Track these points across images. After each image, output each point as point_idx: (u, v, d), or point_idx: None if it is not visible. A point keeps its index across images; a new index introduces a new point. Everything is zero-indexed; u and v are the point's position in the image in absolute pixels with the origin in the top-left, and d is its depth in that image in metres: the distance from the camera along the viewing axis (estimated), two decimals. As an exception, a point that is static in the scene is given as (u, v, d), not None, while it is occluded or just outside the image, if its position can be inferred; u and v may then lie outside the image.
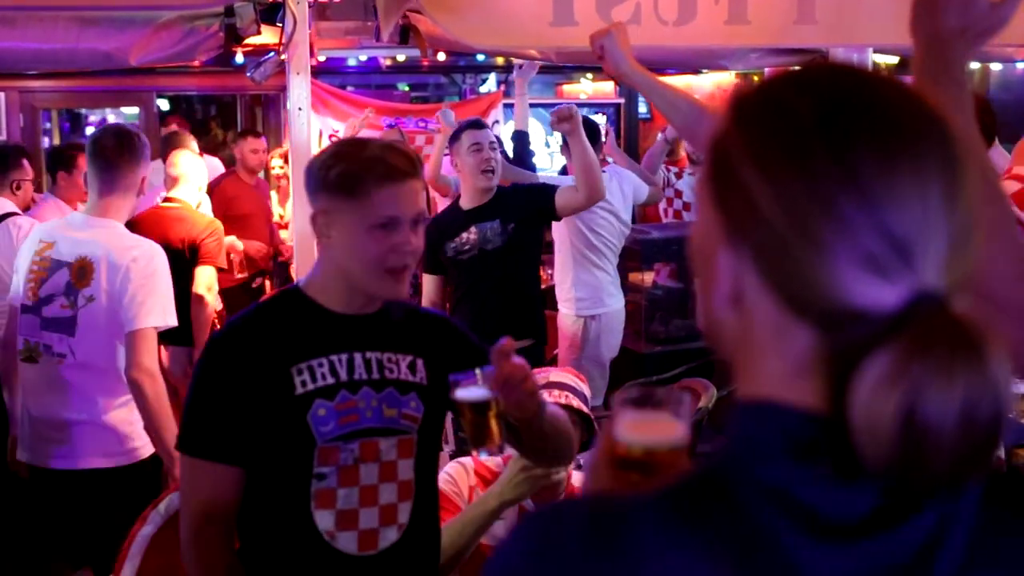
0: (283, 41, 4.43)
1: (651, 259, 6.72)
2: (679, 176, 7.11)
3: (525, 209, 4.81)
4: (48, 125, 10.95)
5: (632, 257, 6.48)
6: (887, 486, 0.78)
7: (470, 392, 2.06)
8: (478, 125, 4.95)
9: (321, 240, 2.28)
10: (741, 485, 0.81)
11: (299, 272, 4.64)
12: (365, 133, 8.65)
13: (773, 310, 0.82)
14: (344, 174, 2.20)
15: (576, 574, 0.82)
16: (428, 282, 5.03)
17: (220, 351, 2.29)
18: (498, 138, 5.05)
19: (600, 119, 10.26)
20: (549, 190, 4.90)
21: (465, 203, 4.92)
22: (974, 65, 9.95)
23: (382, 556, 2.22)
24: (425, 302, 4.99)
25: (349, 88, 10.49)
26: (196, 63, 7.37)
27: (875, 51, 5.00)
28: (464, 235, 4.85)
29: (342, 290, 2.29)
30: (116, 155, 3.73)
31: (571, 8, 4.06)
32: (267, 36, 4.95)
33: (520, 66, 6.98)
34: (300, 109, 4.53)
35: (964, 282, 0.80)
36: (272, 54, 4.75)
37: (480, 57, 9.20)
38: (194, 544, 2.24)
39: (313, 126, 8.44)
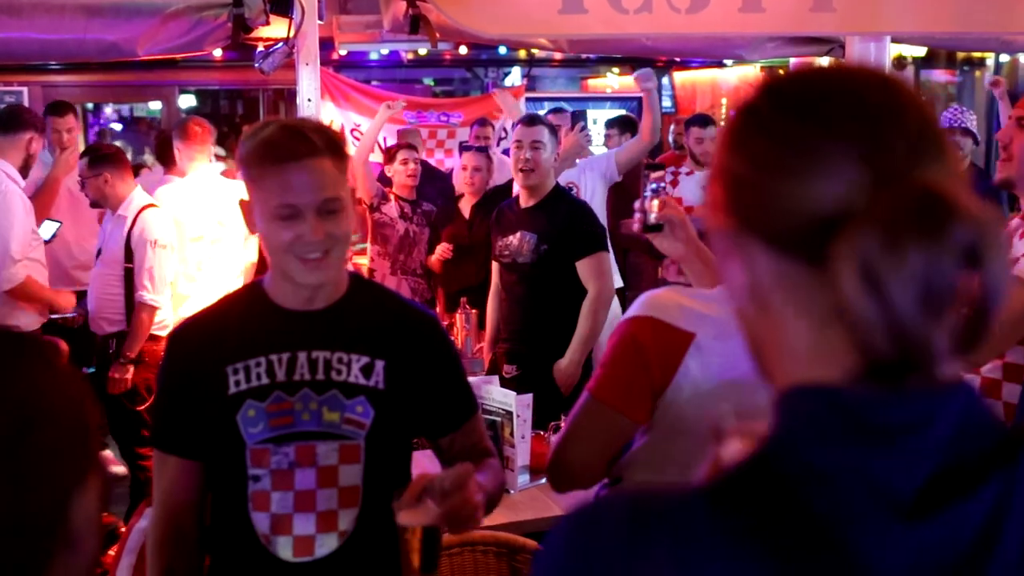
0: (292, 31, 4.40)
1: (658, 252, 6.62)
2: (674, 183, 6.93)
3: (563, 237, 4.66)
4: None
5: (642, 250, 6.41)
6: (942, 457, 0.77)
7: (413, 517, 1.86)
8: (529, 121, 4.81)
9: (252, 231, 2.17)
10: (790, 474, 0.79)
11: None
12: (385, 127, 8.66)
13: (778, 272, 0.84)
14: (242, 159, 2.08)
15: (621, 573, 0.80)
16: (495, 269, 5.02)
17: (172, 345, 2.25)
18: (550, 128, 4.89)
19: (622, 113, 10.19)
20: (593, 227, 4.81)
21: (520, 200, 4.85)
22: (1004, 58, 9.81)
23: (320, 564, 2.13)
24: (492, 288, 5.04)
25: (373, 83, 10.49)
26: (219, 58, 7.39)
27: (894, 40, 4.90)
28: (511, 238, 4.78)
29: (283, 283, 2.17)
30: None
31: (580, -5, 4.01)
32: (279, 28, 4.92)
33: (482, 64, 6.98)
34: (310, 100, 4.51)
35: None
36: (281, 45, 4.72)
37: (502, 50, 9.16)
38: (151, 535, 2.21)
39: (336, 120, 8.57)
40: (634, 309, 2.17)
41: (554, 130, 4.84)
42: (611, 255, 5.85)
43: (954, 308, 0.74)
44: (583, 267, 4.62)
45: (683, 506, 0.82)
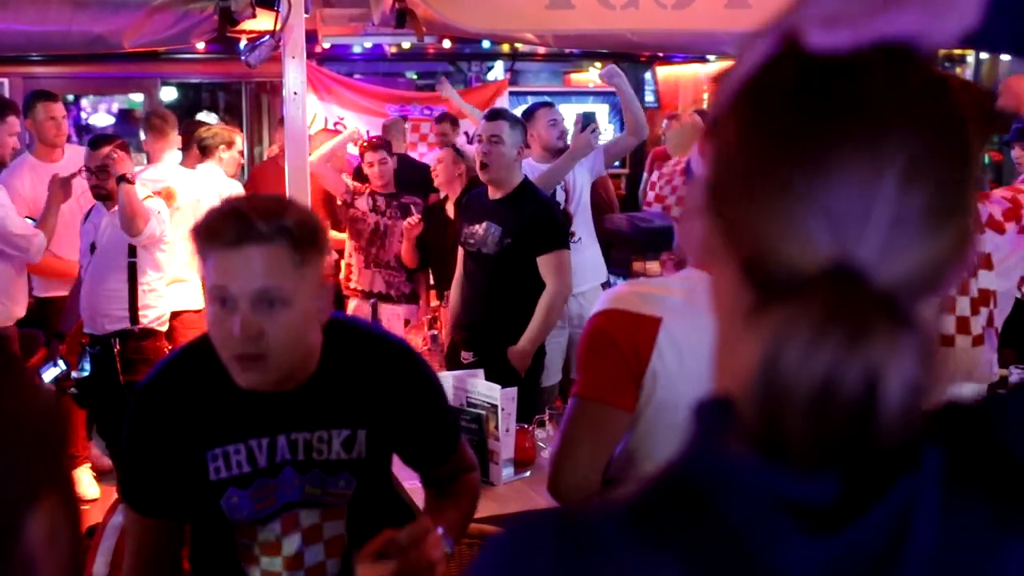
0: (278, 24, 4.40)
1: (647, 247, 6.64)
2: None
3: (527, 232, 4.72)
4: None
5: (634, 246, 6.43)
6: (845, 470, 0.76)
7: (371, 572, 1.85)
8: (490, 116, 4.89)
9: None
10: (703, 485, 0.79)
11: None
12: (368, 120, 8.66)
13: (729, 269, 0.82)
14: (193, 230, 1.93)
15: None
16: (460, 255, 5.07)
17: (142, 407, 2.10)
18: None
19: (603, 108, 10.23)
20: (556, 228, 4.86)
21: (488, 191, 4.89)
22: (984, 56, 9.88)
23: None
24: (456, 275, 5.09)
25: (356, 76, 10.47)
26: (200, 49, 7.36)
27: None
28: (477, 227, 4.84)
29: None
30: None
31: (567, -9, 4.02)
32: (265, 21, 4.92)
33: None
34: (296, 93, 4.51)
35: (924, 278, 0.77)
36: (268, 38, 4.72)
37: (486, 44, 9.13)
38: None
39: (319, 113, 8.56)
40: (596, 307, 2.24)
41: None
42: (598, 249, 5.91)
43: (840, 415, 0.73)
44: (544, 263, 4.70)
45: (604, 523, 0.82)
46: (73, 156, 5.90)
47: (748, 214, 0.79)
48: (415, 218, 5.97)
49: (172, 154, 5.97)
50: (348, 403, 2.11)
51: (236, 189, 6.02)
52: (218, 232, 1.89)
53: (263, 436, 2.06)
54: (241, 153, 5.93)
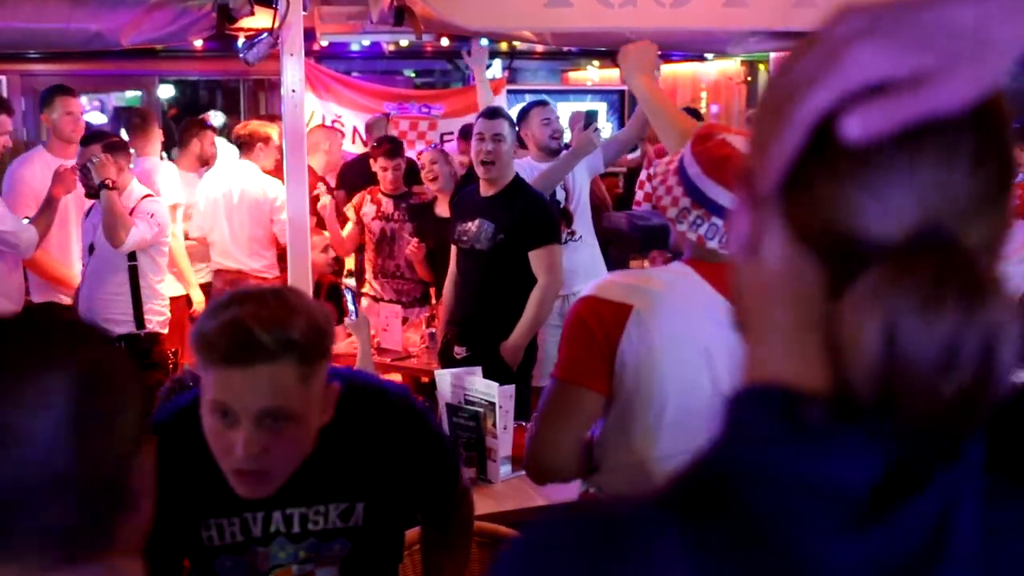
0: (276, 22, 4.39)
1: (645, 246, 6.65)
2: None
3: (520, 227, 4.77)
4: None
5: (632, 244, 6.43)
6: (887, 459, 0.75)
7: None
8: (491, 114, 4.91)
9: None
10: (734, 476, 0.78)
11: (292, 266, 4.60)
12: (363, 117, 8.64)
13: (786, 248, 0.80)
14: (193, 338, 1.81)
15: None
16: (453, 253, 5.11)
17: None
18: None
19: (601, 107, 10.23)
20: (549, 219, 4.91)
21: (481, 188, 4.92)
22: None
23: None
24: (449, 272, 5.13)
25: (354, 74, 10.46)
26: (198, 47, 7.36)
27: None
28: (470, 224, 4.87)
29: None
30: None
31: (566, -12, 4.02)
32: (263, 19, 4.91)
33: (469, 52, 6.93)
34: (294, 91, 4.49)
35: (993, 246, 0.78)
36: (266, 35, 4.71)
37: (484, 42, 9.13)
38: None
39: (316, 111, 8.54)
40: (580, 294, 2.31)
41: (513, 123, 4.96)
42: (598, 247, 5.91)
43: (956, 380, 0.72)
44: (535, 257, 4.74)
45: (632, 520, 0.81)
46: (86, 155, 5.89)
47: (823, 190, 0.78)
48: (415, 243, 6.01)
49: (154, 148, 6.19)
50: (347, 477, 2.05)
51: (274, 185, 6.05)
52: (219, 348, 1.77)
53: (258, 511, 2.02)
54: (279, 148, 5.91)
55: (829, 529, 0.75)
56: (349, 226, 6.33)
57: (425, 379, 5.35)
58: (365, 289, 6.37)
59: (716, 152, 2.20)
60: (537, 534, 0.84)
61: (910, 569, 0.75)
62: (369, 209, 6.27)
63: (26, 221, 5.21)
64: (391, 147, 6.39)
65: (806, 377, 0.79)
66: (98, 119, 11.76)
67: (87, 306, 5.07)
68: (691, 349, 2.18)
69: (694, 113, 7.38)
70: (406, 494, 2.17)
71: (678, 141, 2.51)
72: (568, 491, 2.55)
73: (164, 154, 6.91)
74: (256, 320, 1.76)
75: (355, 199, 6.42)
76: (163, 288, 5.26)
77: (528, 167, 5.45)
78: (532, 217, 4.79)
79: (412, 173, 6.58)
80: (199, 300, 5.92)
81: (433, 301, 6.20)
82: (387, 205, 6.26)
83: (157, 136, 6.28)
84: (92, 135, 5.23)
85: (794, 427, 0.77)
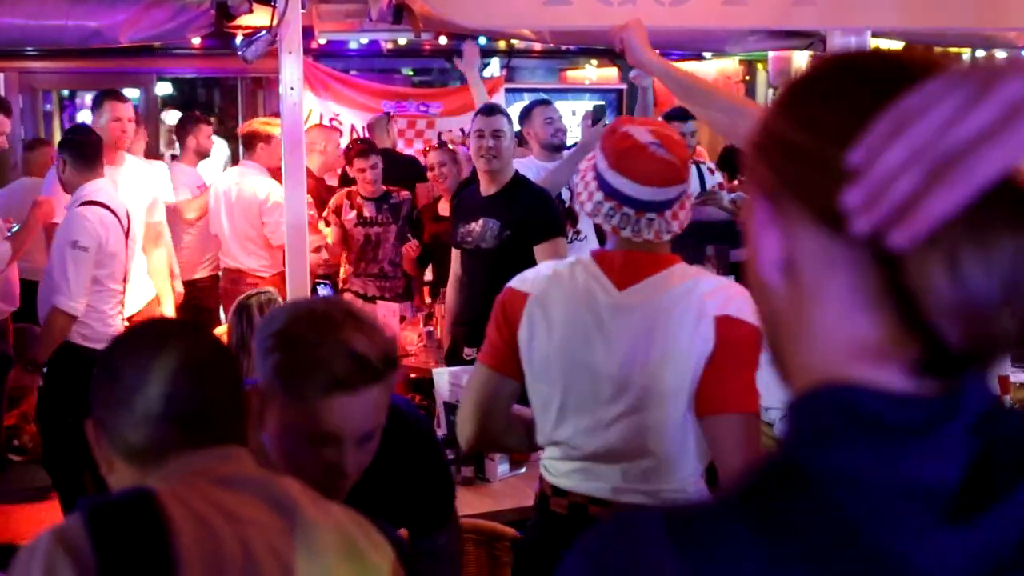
0: (275, 20, 4.39)
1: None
2: None
3: (525, 222, 4.75)
4: (49, 107, 10.89)
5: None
6: (971, 456, 0.75)
7: None
8: (489, 111, 4.91)
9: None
10: (819, 477, 0.77)
11: (290, 267, 4.59)
12: (364, 116, 8.62)
13: (822, 248, 0.79)
14: (284, 367, 1.76)
15: None
16: (455, 255, 5.10)
17: None
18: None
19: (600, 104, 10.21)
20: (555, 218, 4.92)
21: (481, 187, 4.91)
22: (980, 53, 9.87)
23: None
24: (451, 274, 5.15)
25: (352, 72, 10.44)
26: (197, 45, 7.35)
27: (874, 35, 4.94)
28: (473, 224, 4.86)
29: None
30: None
31: (565, -13, 4.02)
32: (261, 17, 4.91)
33: (461, 54, 6.93)
34: (292, 89, 4.49)
35: None
36: (264, 33, 4.71)
37: (482, 41, 9.12)
38: None
39: (314, 109, 8.53)
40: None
41: (510, 119, 4.96)
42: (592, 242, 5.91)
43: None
44: (541, 251, 4.71)
45: (716, 514, 0.81)
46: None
47: (821, 149, 0.78)
48: (413, 244, 6.01)
49: (138, 146, 6.30)
50: (358, 488, 2.01)
51: (266, 185, 6.04)
52: (346, 377, 1.73)
53: None
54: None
55: (924, 528, 0.74)
56: (333, 230, 6.31)
57: (414, 375, 5.32)
58: (346, 288, 6.33)
59: (619, 145, 2.33)
60: (618, 524, 0.84)
61: (1012, 561, 0.74)
62: (350, 215, 6.25)
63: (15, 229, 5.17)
64: (363, 147, 6.36)
65: (887, 352, 0.78)
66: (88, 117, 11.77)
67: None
68: (578, 334, 2.33)
69: (691, 113, 7.36)
70: (402, 506, 2.21)
71: (728, 107, 2.57)
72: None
73: (166, 152, 6.92)
74: (360, 343, 1.74)
75: (332, 200, 6.36)
76: (129, 300, 5.11)
77: (532, 166, 5.46)
78: (537, 211, 4.79)
79: (392, 169, 6.55)
80: (179, 292, 5.96)
81: (427, 299, 6.20)
82: (368, 209, 6.23)
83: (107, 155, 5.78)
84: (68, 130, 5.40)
85: (874, 427, 0.77)
